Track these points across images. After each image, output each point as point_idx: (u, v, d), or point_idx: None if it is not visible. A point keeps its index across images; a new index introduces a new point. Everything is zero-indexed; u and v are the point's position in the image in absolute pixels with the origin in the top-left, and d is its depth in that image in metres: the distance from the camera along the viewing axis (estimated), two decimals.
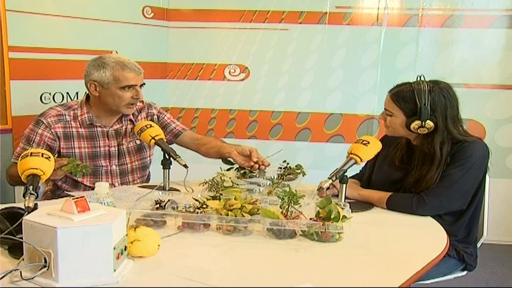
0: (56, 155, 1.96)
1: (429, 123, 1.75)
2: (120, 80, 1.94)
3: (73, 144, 1.99)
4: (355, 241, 1.43)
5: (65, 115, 2.00)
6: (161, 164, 1.88)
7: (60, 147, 1.97)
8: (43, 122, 1.96)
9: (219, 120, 3.45)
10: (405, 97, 1.79)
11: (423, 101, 1.74)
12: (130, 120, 2.10)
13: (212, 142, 2.15)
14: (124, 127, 2.08)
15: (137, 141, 2.11)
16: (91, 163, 2.01)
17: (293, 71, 3.37)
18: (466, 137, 1.79)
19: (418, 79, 1.81)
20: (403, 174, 1.86)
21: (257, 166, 1.89)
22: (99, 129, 2.03)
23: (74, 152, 1.99)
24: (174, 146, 2.05)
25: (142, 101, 2.14)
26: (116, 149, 2.06)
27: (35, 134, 1.95)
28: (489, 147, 1.79)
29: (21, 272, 1.07)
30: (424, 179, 1.76)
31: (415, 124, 1.77)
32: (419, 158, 1.82)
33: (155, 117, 2.17)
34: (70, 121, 2.00)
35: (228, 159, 2.01)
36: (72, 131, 2.00)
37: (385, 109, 1.86)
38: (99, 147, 2.03)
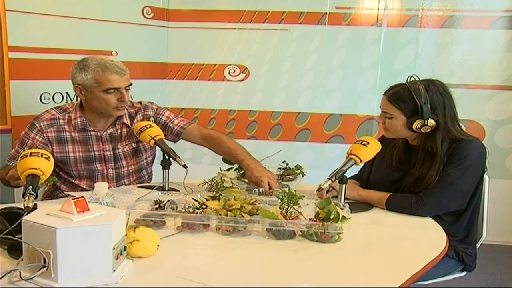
0: None
1: (431, 121, 1.75)
2: (102, 83, 1.86)
3: (67, 148, 1.96)
4: (354, 242, 1.43)
5: (58, 119, 1.96)
6: (161, 164, 1.88)
7: (53, 151, 1.93)
8: (36, 126, 1.93)
9: (218, 120, 3.44)
10: (403, 97, 1.78)
11: (423, 100, 1.74)
12: (125, 124, 2.03)
13: (227, 144, 2.00)
14: (119, 131, 2.03)
15: (133, 144, 2.05)
16: (87, 167, 1.99)
17: (293, 71, 3.36)
18: (464, 135, 1.79)
19: (410, 79, 1.80)
20: (401, 174, 1.86)
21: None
22: (92, 133, 1.98)
23: (69, 156, 1.96)
24: (174, 146, 2.04)
25: (140, 102, 2.10)
26: (112, 153, 2.02)
27: (28, 137, 1.93)
28: (486, 147, 1.79)
29: (20, 272, 1.07)
30: (424, 178, 1.76)
31: (417, 123, 1.76)
32: (420, 156, 1.81)
33: (152, 119, 2.08)
34: (64, 125, 1.96)
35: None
36: (66, 135, 1.96)
37: (382, 112, 1.85)
38: (93, 151, 1.99)
